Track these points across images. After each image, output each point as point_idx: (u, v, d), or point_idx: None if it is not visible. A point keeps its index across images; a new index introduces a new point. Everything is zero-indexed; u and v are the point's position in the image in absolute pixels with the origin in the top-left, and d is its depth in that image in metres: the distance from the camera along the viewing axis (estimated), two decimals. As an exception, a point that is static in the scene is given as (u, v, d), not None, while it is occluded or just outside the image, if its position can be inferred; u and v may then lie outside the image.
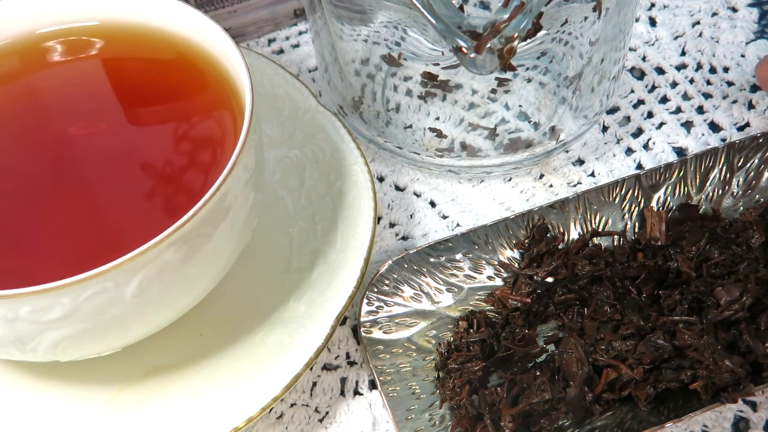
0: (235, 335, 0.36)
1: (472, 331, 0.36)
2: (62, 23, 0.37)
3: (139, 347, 0.33)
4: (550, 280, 0.38)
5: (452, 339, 0.36)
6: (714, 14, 0.52)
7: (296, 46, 0.52)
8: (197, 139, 0.34)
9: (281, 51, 0.52)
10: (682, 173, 0.41)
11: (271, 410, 0.36)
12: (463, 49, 0.31)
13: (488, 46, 0.31)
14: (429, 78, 0.42)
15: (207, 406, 0.34)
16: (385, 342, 0.36)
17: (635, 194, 0.40)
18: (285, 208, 0.40)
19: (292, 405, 0.37)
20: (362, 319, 0.37)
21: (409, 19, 0.39)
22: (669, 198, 0.40)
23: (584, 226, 0.40)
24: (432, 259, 0.38)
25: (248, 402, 0.33)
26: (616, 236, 0.40)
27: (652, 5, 0.53)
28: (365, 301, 0.37)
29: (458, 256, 0.39)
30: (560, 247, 0.39)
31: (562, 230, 0.40)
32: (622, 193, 0.40)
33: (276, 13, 0.52)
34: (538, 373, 0.34)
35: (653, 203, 0.40)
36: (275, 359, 0.35)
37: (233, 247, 0.33)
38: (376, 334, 0.36)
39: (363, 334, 0.36)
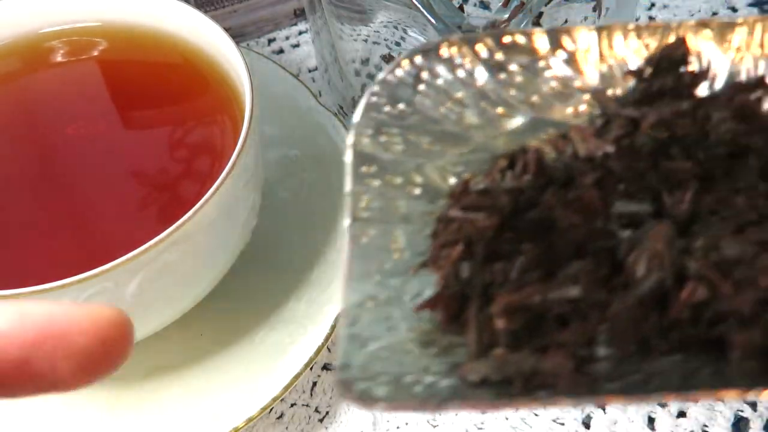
0: (235, 335, 0.36)
1: (511, 174, 0.22)
2: (64, 23, 0.37)
3: (139, 347, 0.33)
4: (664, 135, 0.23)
5: (477, 180, 0.22)
6: (714, 14, 0.52)
7: (296, 46, 0.52)
8: (197, 139, 0.34)
9: (281, 51, 0.52)
10: None
11: (271, 410, 0.36)
12: (463, 49, 0.31)
13: (488, 46, 0.31)
14: (429, 78, 0.42)
15: (207, 406, 0.34)
16: (382, 162, 0.23)
17: None
18: (285, 208, 0.40)
19: (292, 405, 0.37)
20: (358, 117, 0.23)
21: (409, 19, 0.39)
22: None
23: (751, 72, 0.24)
24: (490, 55, 0.24)
25: (248, 402, 0.33)
26: None
27: (652, 5, 0.53)
28: (374, 89, 0.24)
29: (537, 64, 0.24)
30: (697, 91, 0.23)
31: (712, 68, 0.24)
32: None
33: (276, 13, 0.52)
34: (583, 261, 0.21)
35: None
36: (275, 359, 0.35)
37: (233, 248, 0.33)
38: (372, 146, 0.23)
39: (353, 140, 0.23)
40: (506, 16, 0.31)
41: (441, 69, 0.24)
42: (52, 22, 0.37)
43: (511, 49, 0.24)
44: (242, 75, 0.32)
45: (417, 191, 0.23)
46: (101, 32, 0.37)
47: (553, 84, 0.24)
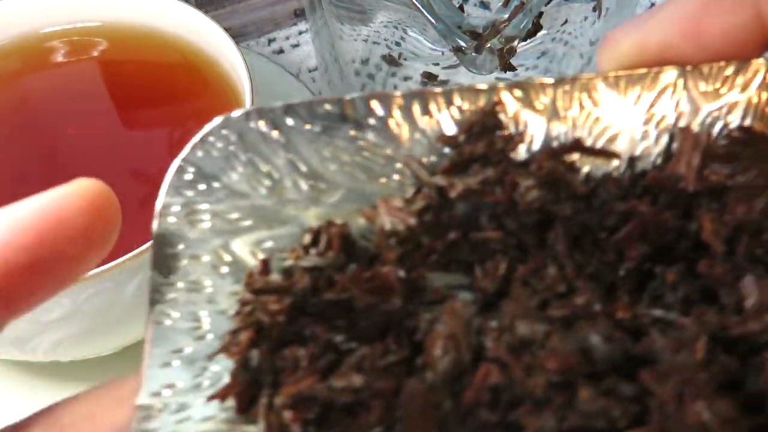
0: (235, 335, 0.36)
1: (313, 252, 0.22)
2: (64, 23, 0.37)
3: (139, 347, 0.33)
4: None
5: (281, 257, 0.22)
6: (714, 14, 0.53)
7: (296, 46, 0.52)
8: (197, 139, 0.34)
9: (281, 51, 0.52)
10: None
11: (271, 410, 0.36)
12: (463, 49, 0.31)
13: (488, 46, 0.31)
14: (429, 78, 0.42)
15: (207, 405, 0.34)
16: (189, 240, 0.23)
17: (675, 101, 0.23)
18: (285, 208, 0.40)
19: (292, 405, 0.37)
20: (163, 195, 0.23)
21: (409, 19, 0.39)
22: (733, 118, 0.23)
23: (569, 134, 0.23)
24: (299, 125, 0.24)
25: (248, 402, 0.33)
26: (615, 161, 0.23)
27: (652, 5, 0.53)
28: (179, 164, 0.23)
29: (348, 133, 0.23)
30: (513, 155, 0.23)
31: (528, 132, 0.23)
32: (651, 95, 0.23)
33: (276, 13, 0.52)
34: (371, 346, 0.20)
35: (697, 120, 0.23)
36: (275, 359, 0.35)
37: (233, 247, 0.33)
38: (178, 224, 0.23)
39: (158, 219, 0.22)
40: (506, 16, 0.31)
41: (249, 141, 0.23)
42: (53, 22, 0.37)
43: (322, 118, 0.24)
44: (242, 75, 0.32)
45: (224, 269, 0.22)
46: (102, 32, 0.37)
47: (366, 153, 0.23)
